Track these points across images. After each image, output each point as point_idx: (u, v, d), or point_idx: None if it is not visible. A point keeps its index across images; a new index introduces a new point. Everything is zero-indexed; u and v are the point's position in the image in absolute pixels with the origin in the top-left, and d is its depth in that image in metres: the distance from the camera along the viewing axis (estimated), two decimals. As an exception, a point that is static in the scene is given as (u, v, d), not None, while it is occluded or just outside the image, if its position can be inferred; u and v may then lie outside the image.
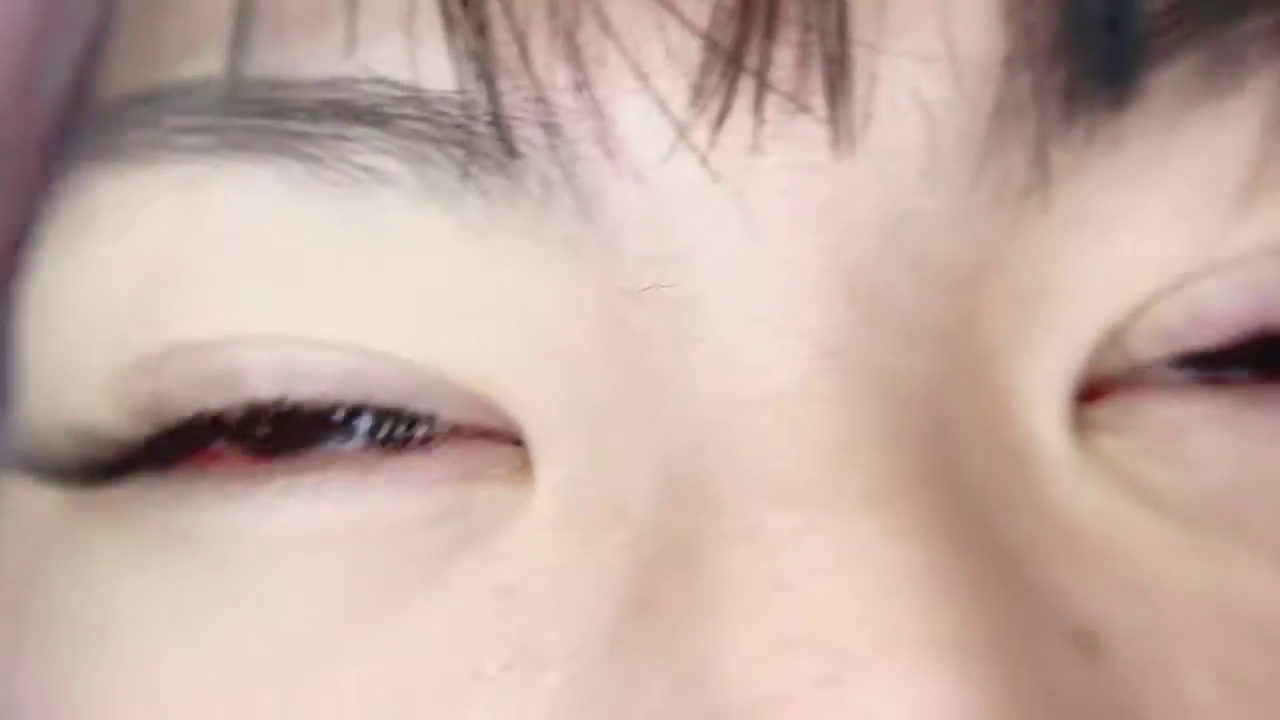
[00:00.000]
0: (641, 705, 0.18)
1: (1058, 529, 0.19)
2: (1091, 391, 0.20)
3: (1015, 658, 0.18)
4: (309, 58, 0.20)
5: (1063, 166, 0.19)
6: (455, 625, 0.20)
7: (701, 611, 0.18)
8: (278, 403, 0.21)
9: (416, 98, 0.20)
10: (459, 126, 0.20)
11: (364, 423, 0.21)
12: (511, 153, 0.20)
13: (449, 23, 0.20)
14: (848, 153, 0.19)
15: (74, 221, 0.22)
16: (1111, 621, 0.19)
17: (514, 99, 0.20)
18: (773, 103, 0.19)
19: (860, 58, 0.19)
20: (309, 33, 0.20)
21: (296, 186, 0.21)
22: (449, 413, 0.21)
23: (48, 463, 0.22)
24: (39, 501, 0.22)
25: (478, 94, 0.20)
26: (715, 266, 0.20)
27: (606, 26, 0.20)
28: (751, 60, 0.19)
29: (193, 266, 0.21)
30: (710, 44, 0.19)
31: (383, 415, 0.21)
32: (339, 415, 0.21)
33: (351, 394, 0.21)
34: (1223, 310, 0.20)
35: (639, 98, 0.19)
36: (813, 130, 0.19)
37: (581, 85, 0.20)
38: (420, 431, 0.21)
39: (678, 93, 0.19)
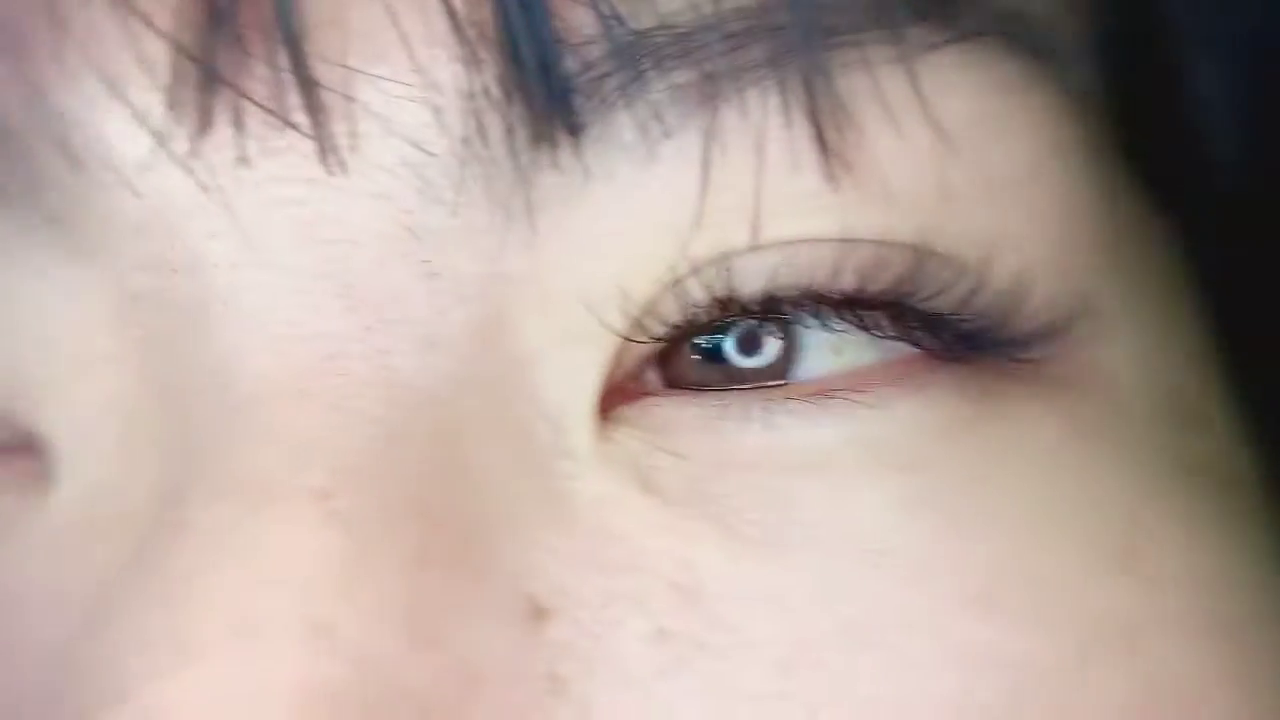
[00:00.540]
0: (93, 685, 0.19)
1: (559, 514, 0.21)
2: (621, 391, 0.22)
3: (420, 632, 0.19)
4: None
5: (547, 191, 0.21)
6: None
7: (121, 606, 0.20)
8: None
9: None
10: None
11: None
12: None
13: None
14: (340, 169, 0.20)
15: None
16: (567, 594, 0.20)
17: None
18: (257, 117, 0.20)
19: (334, 79, 0.20)
20: None
21: None
22: None
23: None
24: None
25: None
26: (217, 274, 0.21)
27: (71, 34, 0.20)
28: (227, 72, 0.20)
29: None
30: (182, 54, 0.20)
31: None
32: None
33: None
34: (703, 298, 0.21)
35: (118, 106, 0.20)
36: (302, 146, 0.20)
37: (46, 94, 0.20)
38: None
39: (155, 103, 0.20)
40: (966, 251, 0.22)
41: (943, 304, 0.22)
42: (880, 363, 0.22)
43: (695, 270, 0.21)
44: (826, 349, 0.22)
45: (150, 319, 0.21)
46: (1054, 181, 0.23)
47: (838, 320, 0.22)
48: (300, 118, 0.20)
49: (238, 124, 0.20)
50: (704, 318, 0.22)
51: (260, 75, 0.20)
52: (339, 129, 0.20)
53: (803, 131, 0.21)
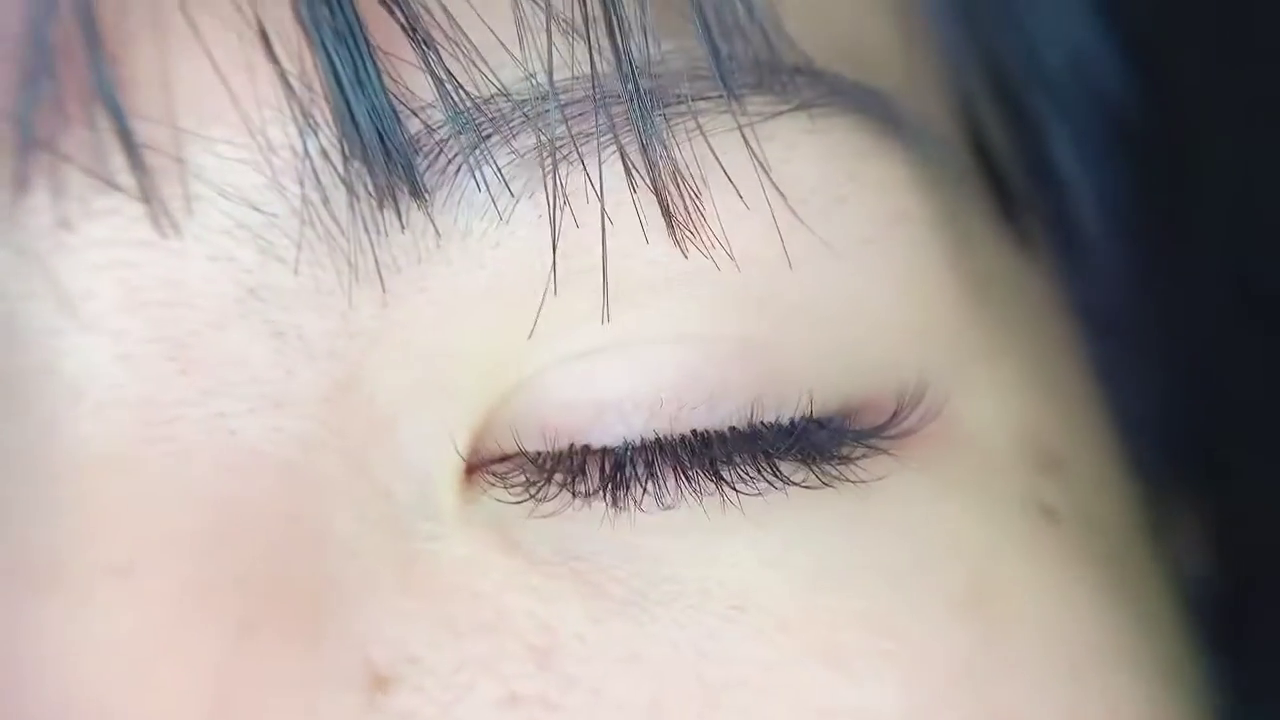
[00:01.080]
0: None
1: (417, 577, 0.20)
2: (491, 449, 0.21)
3: (232, 709, 0.19)
4: None
5: (398, 251, 0.21)
6: None
7: None
8: None
9: None
10: None
11: None
12: None
13: None
14: (174, 232, 0.20)
15: None
16: (416, 661, 0.20)
17: None
18: (79, 179, 0.20)
19: (162, 140, 0.20)
20: None
21: None
22: None
23: None
24: None
25: None
26: (40, 339, 0.20)
27: None
28: (44, 133, 0.20)
29: None
30: None
31: None
32: None
33: None
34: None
35: None
36: (130, 209, 0.20)
37: None
38: None
39: None
40: (805, 354, 0.22)
41: (786, 418, 0.22)
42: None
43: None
44: None
45: None
46: (899, 246, 0.23)
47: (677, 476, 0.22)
48: (127, 180, 0.20)
49: (56, 187, 0.20)
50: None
51: (81, 137, 0.20)
52: (170, 191, 0.20)
53: (647, 198, 0.21)
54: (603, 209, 0.21)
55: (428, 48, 0.20)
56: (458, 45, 0.20)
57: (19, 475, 0.20)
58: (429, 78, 0.20)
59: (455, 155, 0.21)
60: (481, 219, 0.21)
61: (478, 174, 0.21)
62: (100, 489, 0.20)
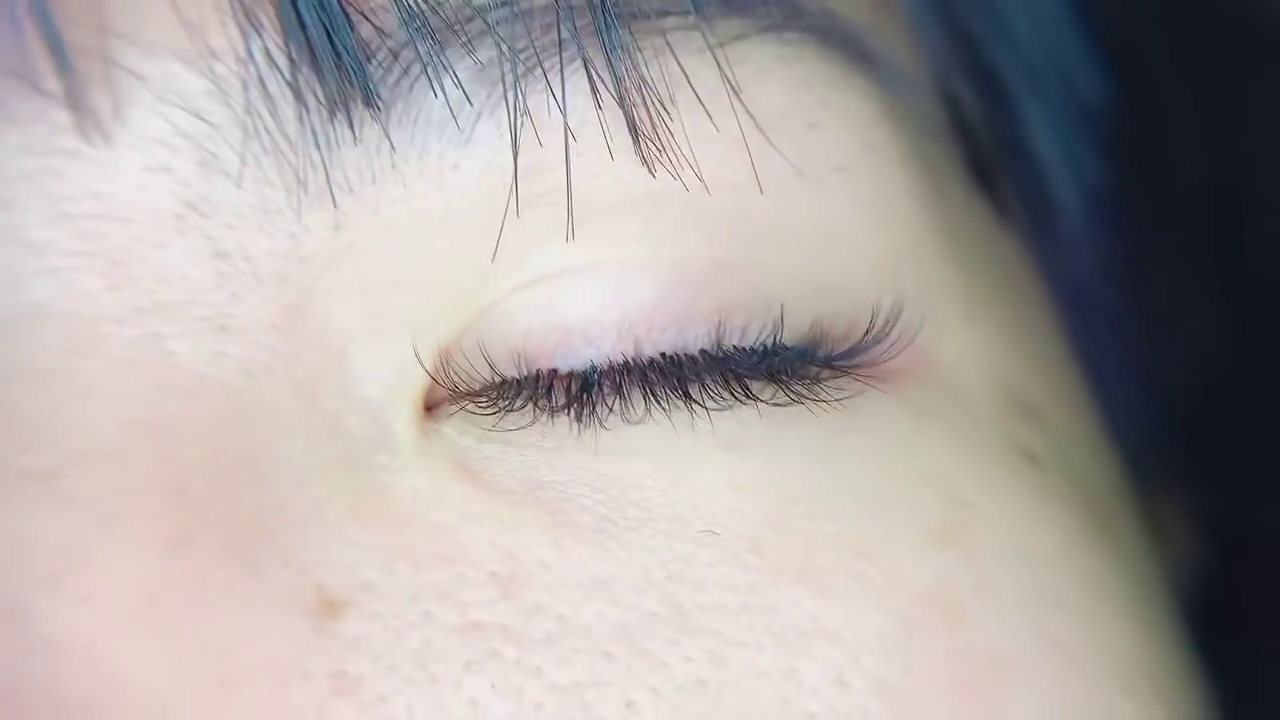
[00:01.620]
0: None
1: (369, 507, 0.19)
2: (450, 378, 0.21)
3: (160, 623, 0.18)
4: None
5: (351, 169, 0.20)
6: None
7: None
8: None
9: None
10: None
11: None
12: None
13: None
14: (103, 141, 0.19)
15: None
16: (370, 589, 0.19)
17: None
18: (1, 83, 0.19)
19: (90, 41, 0.19)
20: None
21: None
22: None
23: None
24: None
25: None
26: None
27: None
28: None
29: None
30: None
31: None
32: None
33: None
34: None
35: None
36: (57, 115, 0.19)
37: None
38: None
39: None
40: (774, 273, 0.22)
41: (756, 342, 0.21)
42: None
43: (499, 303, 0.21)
44: None
45: None
46: (869, 176, 0.23)
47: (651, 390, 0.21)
48: (52, 84, 0.19)
49: None
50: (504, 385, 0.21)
51: (2, 37, 0.19)
52: (99, 97, 0.19)
53: (613, 115, 0.20)
54: (566, 123, 0.20)
55: None
56: None
57: None
58: None
59: (411, 64, 0.20)
60: (439, 139, 0.20)
61: (436, 85, 0.20)
62: (25, 398, 0.19)
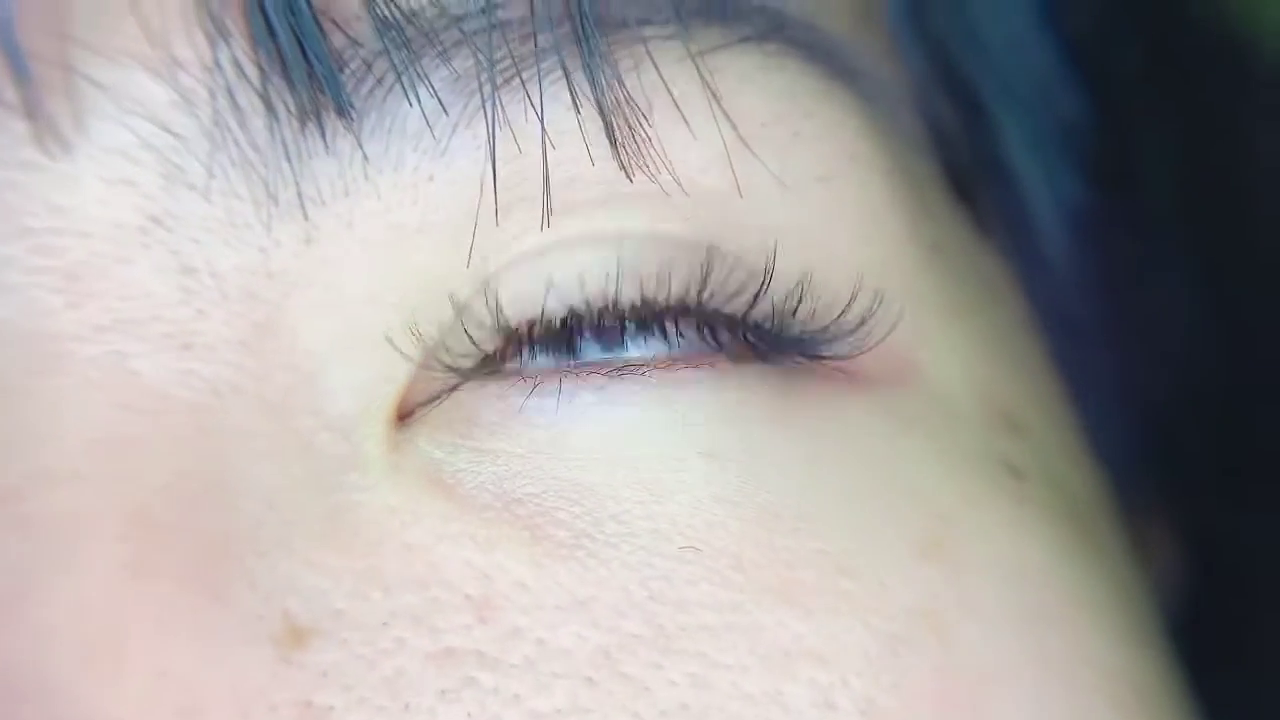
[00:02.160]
0: None
1: (339, 530, 0.19)
2: (426, 390, 0.20)
3: (118, 653, 0.17)
4: None
5: (323, 181, 0.19)
6: None
7: None
8: None
9: None
10: None
11: None
12: None
13: None
14: (63, 152, 0.19)
15: None
16: (339, 615, 0.18)
17: None
18: None
19: (49, 49, 0.18)
20: None
21: None
22: None
23: None
24: None
25: None
26: None
27: None
28: None
29: None
30: None
31: None
32: None
33: None
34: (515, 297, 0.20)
35: None
36: (13, 125, 0.19)
37: None
38: None
39: None
40: (755, 250, 0.21)
41: (734, 306, 0.21)
42: (682, 354, 0.21)
43: (480, 290, 0.20)
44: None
45: None
46: (851, 186, 0.22)
47: (623, 329, 0.21)
48: (8, 93, 0.18)
49: None
50: (490, 347, 0.21)
51: None
52: (58, 106, 0.19)
53: (593, 124, 0.20)
54: (544, 129, 0.20)
55: None
56: None
57: None
58: None
59: (385, 73, 0.19)
60: (415, 149, 0.20)
61: (411, 95, 0.19)
62: (25, 418, 0.18)
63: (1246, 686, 0.31)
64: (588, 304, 0.21)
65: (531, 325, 0.21)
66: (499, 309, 0.20)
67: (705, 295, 0.21)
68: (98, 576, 0.18)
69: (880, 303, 0.22)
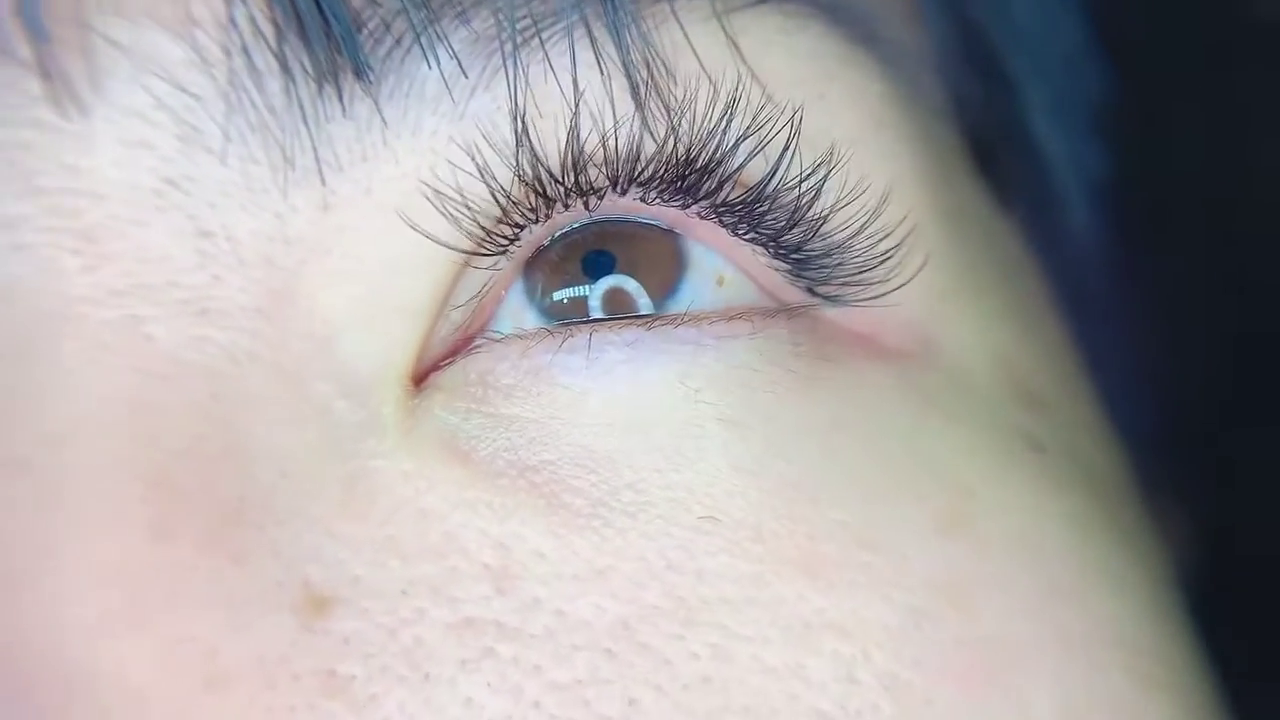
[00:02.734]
0: None
1: (358, 497, 0.19)
2: (442, 355, 0.20)
3: (140, 616, 0.17)
4: None
5: (341, 145, 0.19)
6: None
7: None
8: None
9: None
10: None
11: None
12: None
13: None
14: (79, 113, 0.18)
15: None
16: (358, 584, 0.18)
17: None
18: None
19: (64, 7, 0.18)
20: None
21: None
22: None
23: None
24: None
25: None
26: None
27: None
28: None
29: None
30: None
31: None
32: None
33: None
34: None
35: None
36: (28, 84, 0.18)
37: None
38: None
39: None
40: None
41: (754, 170, 0.21)
42: (719, 309, 0.21)
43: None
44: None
45: None
46: (877, 149, 0.22)
47: (647, 192, 0.20)
48: (23, 51, 0.18)
49: None
50: (520, 218, 0.20)
51: None
52: (74, 65, 0.18)
53: (620, 85, 0.20)
54: (575, 80, 0.20)
55: None
56: None
57: None
58: None
59: (404, 34, 0.19)
60: (434, 113, 0.19)
61: (430, 57, 0.19)
62: (31, 386, 0.18)
63: (1259, 666, 0.31)
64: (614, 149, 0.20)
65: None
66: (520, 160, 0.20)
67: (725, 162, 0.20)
68: (118, 539, 0.17)
69: (908, 226, 0.22)
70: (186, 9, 0.18)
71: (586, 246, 0.21)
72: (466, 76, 0.19)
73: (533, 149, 0.20)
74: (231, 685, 0.17)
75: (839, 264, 0.21)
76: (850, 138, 0.21)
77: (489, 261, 0.20)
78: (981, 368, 0.22)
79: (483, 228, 0.20)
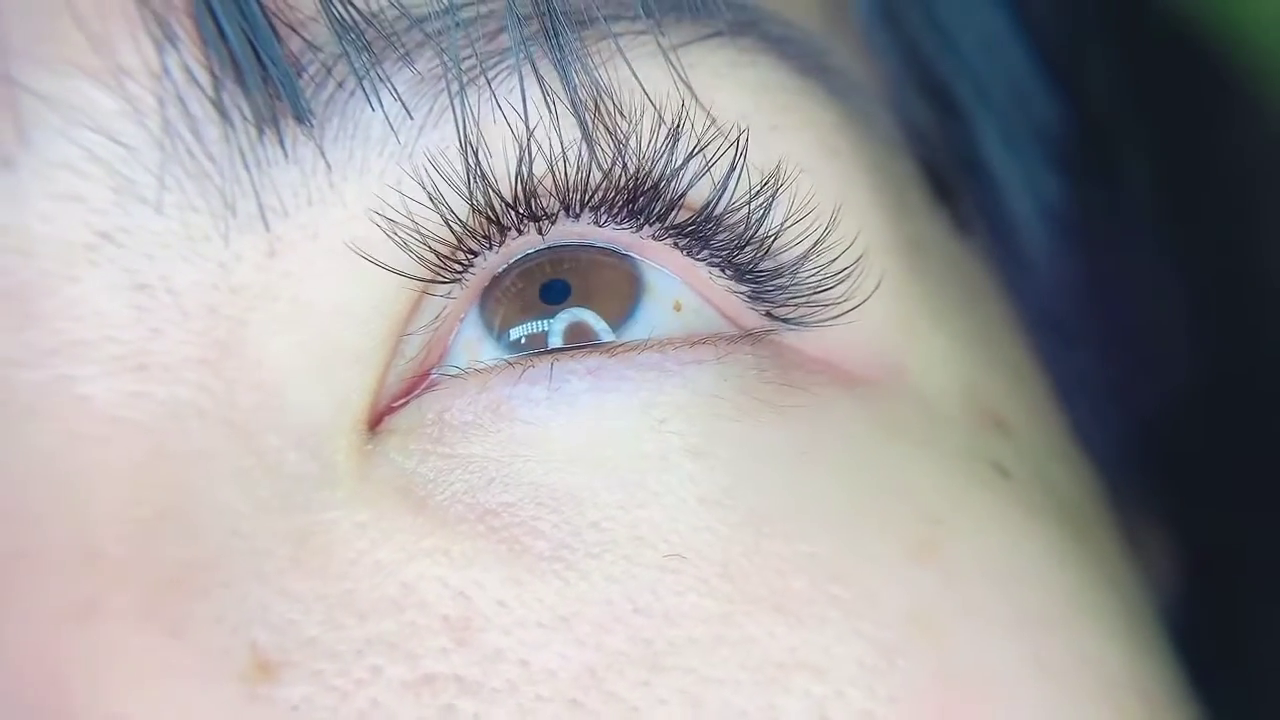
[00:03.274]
0: None
1: (309, 553, 0.18)
2: (398, 394, 0.20)
3: (76, 698, 0.17)
4: None
5: (285, 191, 0.19)
6: None
7: None
8: None
9: None
10: None
11: None
12: None
13: None
14: (5, 168, 0.18)
15: None
16: (311, 645, 0.18)
17: None
18: None
19: None
20: None
21: None
22: None
23: None
24: None
25: None
26: None
27: None
28: None
29: None
30: None
31: None
32: None
33: None
34: None
35: None
36: None
37: None
38: None
39: None
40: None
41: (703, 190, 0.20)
42: (682, 335, 0.21)
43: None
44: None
45: None
46: (830, 174, 0.22)
47: (596, 214, 0.20)
48: None
49: None
50: (474, 244, 0.20)
51: None
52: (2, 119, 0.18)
53: (568, 123, 0.19)
54: (526, 121, 0.19)
55: None
56: None
57: None
58: None
59: (346, 77, 0.19)
60: (380, 155, 0.19)
61: (373, 99, 0.19)
62: None
63: (1244, 690, 0.31)
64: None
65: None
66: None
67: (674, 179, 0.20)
68: (40, 624, 0.17)
69: (862, 245, 0.21)
70: (115, 59, 0.18)
71: (542, 275, 0.21)
72: (412, 118, 0.19)
73: (485, 177, 0.19)
74: None
75: (794, 283, 0.21)
76: (801, 164, 0.21)
77: (444, 289, 0.20)
78: (946, 394, 0.22)
79: (436, 254, 0.20)
